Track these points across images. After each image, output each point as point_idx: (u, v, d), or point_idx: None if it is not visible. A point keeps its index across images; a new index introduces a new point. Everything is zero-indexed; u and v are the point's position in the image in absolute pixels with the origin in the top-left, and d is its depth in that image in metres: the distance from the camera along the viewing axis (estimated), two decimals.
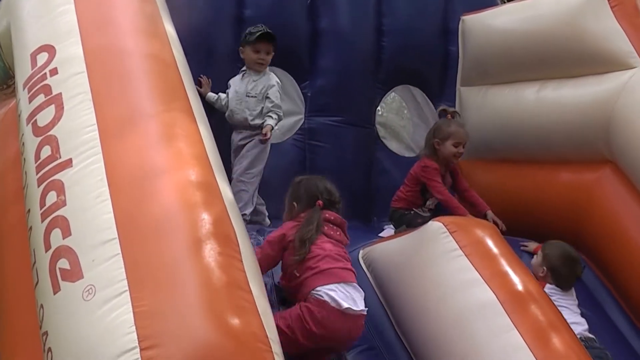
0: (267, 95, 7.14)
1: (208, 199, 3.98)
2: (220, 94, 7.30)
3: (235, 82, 7.25)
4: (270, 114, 7.10)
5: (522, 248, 6.53)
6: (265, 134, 7.01)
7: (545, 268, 5.98)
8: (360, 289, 5.25)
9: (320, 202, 5.54)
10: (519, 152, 7.39)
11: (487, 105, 7.65)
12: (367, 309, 5.21)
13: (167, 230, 3.74)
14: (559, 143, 6.98)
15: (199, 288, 3.52)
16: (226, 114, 7.22)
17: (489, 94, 7.67)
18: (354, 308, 5.07)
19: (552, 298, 5.47)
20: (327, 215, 5.49)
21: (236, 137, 7.21)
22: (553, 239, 6.71)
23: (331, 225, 5.47)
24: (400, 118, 8.45)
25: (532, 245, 6.55)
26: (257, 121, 7.13)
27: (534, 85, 7.21)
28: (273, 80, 7.24)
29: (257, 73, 7.21)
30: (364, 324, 5.27)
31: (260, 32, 7.08)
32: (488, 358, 4.91)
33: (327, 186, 5.72)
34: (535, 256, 6.14)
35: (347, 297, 5.08)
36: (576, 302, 6.00)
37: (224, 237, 3.80)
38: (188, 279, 3.54)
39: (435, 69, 8.37)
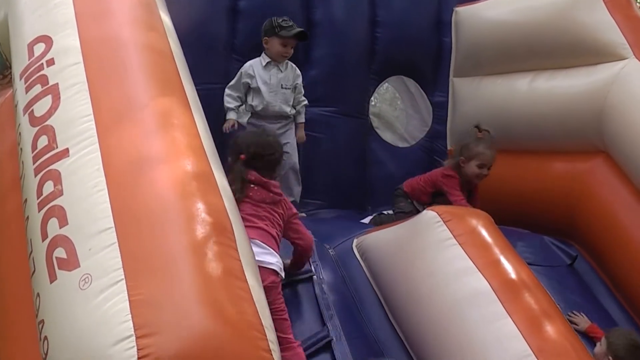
0: (296, 85, 7.31)
1: (204, 189, 4.01)
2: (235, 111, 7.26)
3: (260, 72, 7.25)
4: (300, 108, 7.32)
5: (572, 326, 5.80)
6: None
7: (610, 358, 5.56)
8: (263, 245, 5.20)
9: (242, 156, 5.42)
10: (512, 142, 7.38)
11: (480, 95, 7.68)
12: (269, 262, 5.19)
13: (163, 219, 3.77)
14: (552, 133, 7.02)
15: (195, 277, 3.54)
16: (256, 107, 7.21)
17: (482, 85, 7.70)
18: None
19: None
20: (248, 176, 5.37)
21: (270, 127, 7.12)
22: (546, 228, 6.78)
23: (252, 186, 5.36)
24: (393, 109, 8.48)
25: (582, 324, 5.98)
26: (293, 111, 7.31)
27: (527, 76, 7.25)
28: (297, 69, 7.38)
29: (281, 64, 7.28)
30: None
31: (296, 31, 7.18)
32: (482, 346, 4.95)
33: (260, 139, 5.60)
34: (598, 344, 5.66)
35: None
36: None
37: (220, 227, 3.83)
38: (184, 268, 3.56)
39: (428, 60, 8.41)
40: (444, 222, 5.60)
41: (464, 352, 5.01)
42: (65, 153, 4.13)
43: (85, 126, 4.21)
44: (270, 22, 7.20)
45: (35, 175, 4.15)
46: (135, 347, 3.27)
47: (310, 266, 5.90)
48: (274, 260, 5.22)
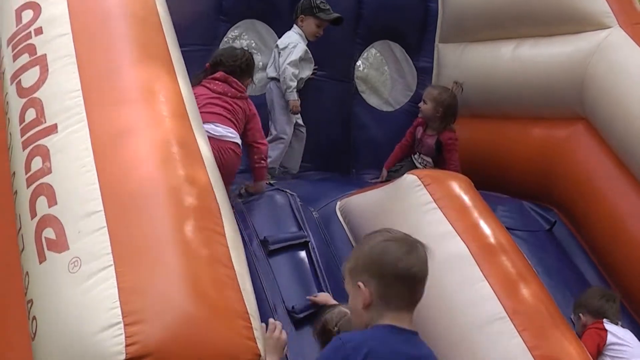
0: None
1: (191, 171, 4.02)
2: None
3: (301, 49, 7.38)
4: None
5: None
6: None
7: (581, 315, 5.77)
8: (221, 125, 5.83)
9: (207, 64, 6.32)
10: (494, 108, 7.50)
11: (465, 62, 7.74)
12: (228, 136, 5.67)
13: (151, 204, 3.78)
14: (533, 100, 7.09)
15: (181, 264, 3.57)
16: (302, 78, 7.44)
17: (467, 51, 7.76)
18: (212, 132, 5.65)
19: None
20: (215, 75, 6.19)
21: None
22: (525, 194, 6.87)
23: (216, 82, 6.15)
24: (379, 73, 8.48)
25: None
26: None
27: (511, 43, 7.30)
28: None
29: (309, 41, 7.45)
30: None
31: (334, 16, 7.38)
32: (457, 308, 5.01)
33: (227, 49, 6.59)
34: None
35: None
36: (633, 336, 5.75)
37: (207, 211, 3.86)
38: (171, 255, 3.59)
39: (414, 25, 8.33)
40: (425, 185, 5.62)
41: (440, 314, 5.04)
42: (53, 129, 4.13)
43: (73, 102, 4.21)
44: (309, 2, 7.35)
45: (24, 149, 4.16)
46: (124, 335, 3.29)
47: (304, 230, 5.99)
48: (234, 134, 5.81)
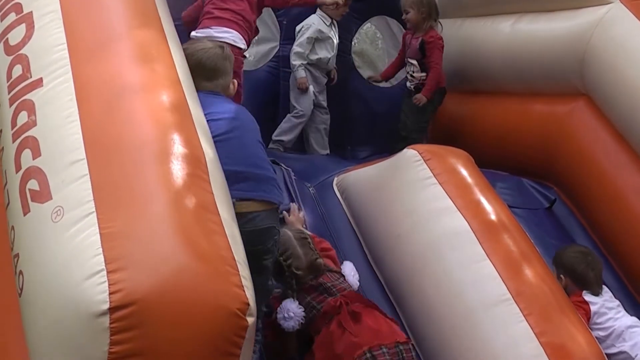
0: None
1: (179, 121, 3.94)
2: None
3: (325, 30, 7.63)
4: None
5: None
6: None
7: (562, 277, 5.56)
8: (220, 28, 6.17)
9: None
10: (494, 83, 7.45)
11: (463, 37, 7.68)
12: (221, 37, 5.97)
13: (135, 151, 3.70)
14: (533, 76, 7.01)
15: (166, 209, 3.48)
16: (322, 58, 7.66)
17: (465, 26, 7.72)
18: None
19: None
20: None
21: (321, 80, 7.77)
22: (525, 171, 6.80)
23: None
24: (375, 48, 8.45)
25: None
26: None
27: (510, 18, 7.24)
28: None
29: (334, 23, 7.68)
30: None
31: None
32: (459, 286, 4.96)
33: None
34: None
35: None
36: (616, 301, 5.65)
37: (193, 159, 3.76)
38: (156, 201, 3.51)
39: None
40: (424, 160, 5.59)
41: (441, 291, 5.03)
42: (39, 82, 4.07)
43: (58, 55, 4.15)
44: None
45: (10, 106, 4.10)
46: (107, 282, 3.20)
47: (298, 204, 5.92)
48: (228, 35, 6.07)
